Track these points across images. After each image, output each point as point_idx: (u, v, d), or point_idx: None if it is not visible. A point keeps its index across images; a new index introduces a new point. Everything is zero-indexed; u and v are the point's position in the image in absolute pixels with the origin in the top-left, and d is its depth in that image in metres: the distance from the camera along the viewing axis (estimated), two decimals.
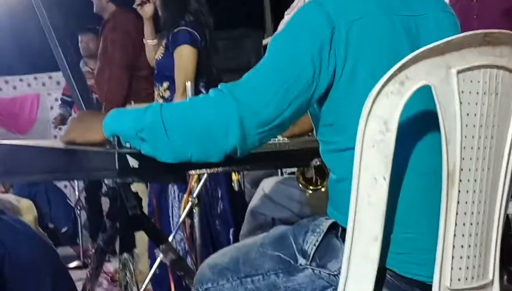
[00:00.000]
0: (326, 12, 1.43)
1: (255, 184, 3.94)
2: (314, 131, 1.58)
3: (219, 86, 1.44)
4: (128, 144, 1.45)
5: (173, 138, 1.41)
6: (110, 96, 4.23)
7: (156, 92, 3.82)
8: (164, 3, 3.75)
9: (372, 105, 1.30)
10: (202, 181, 3.04)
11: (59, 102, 9.07)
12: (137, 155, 1.44)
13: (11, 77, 10.27)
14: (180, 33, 3.64)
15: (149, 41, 3.98)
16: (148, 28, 3.95)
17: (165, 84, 3.74)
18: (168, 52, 3.70)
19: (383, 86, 1.29)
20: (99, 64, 4.51)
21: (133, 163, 1.43)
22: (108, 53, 4.33)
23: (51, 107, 10.18)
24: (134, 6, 3.92)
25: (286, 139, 2.02)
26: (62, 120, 6.25)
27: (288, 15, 6.64)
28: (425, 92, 1.30)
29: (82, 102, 2.09)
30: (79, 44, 5.92)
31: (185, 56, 3.64)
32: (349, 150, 1.36)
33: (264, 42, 7.09)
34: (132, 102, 4.25)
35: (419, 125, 1.43)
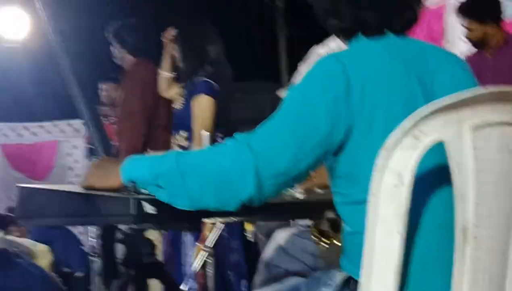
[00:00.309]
0: (343, 65, 1.46)
1: (269, 235, 3.93)
2: (329, 183, 1.59)
3: (235, 136, 1.47)
4: (145, 191, 1.47)
5: (190, 186, 1.43)
6: (129, 144, 4.27)
7: (173, 141, 3.86)
8: (183, 53, 3.83)
9: (386, 158, 1.31)
10: (216, 230, 3.05)
11: (77, 149, 9.14)
12: (154, 201, 1.45)
13: (31, 123, 10.40)
14: (199, 83, 3.71)
15: (165, 73, 4.04)
16: (166, 61, 4.01)
17: (183, 134, 3.79)
18: (187, 101, 3.76)
19: (397, 139, 1.30)
20: (118, 113, 4.58)
21: (149, 209, 1.45)
22: (128, 102, 4.39)
23: (69, 154, 10.28)
24: (162, 38, 4.00)
25: (303, 192, 2.02)
26: None
27: (302, 68, 6.71)
28: (439, 146, 1.32)
29: (101, 149, 2.12)
30: (100, 92, 6.01)
31: (203, 106, 3.69)
32: (363, 203, 1.37)
33: (279, 94, 7.15)
34: (149, 151, 4.29)
35: (433, 179, 1.44)
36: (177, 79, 4.04)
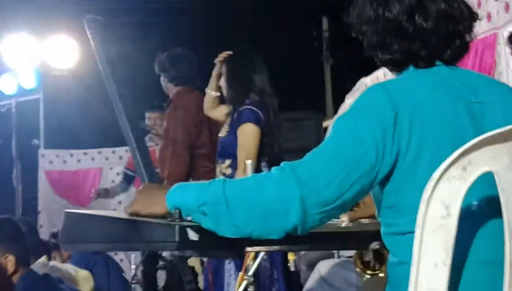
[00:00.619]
0: (390, 96, 1.46)
1: (311, 265, 3.90)
2: (376, 213, 1.58)
3: (281, 165, 1.47)
4: (189, 218, 1.48)
5: (235, 213, 1.43)
6: (172, 172, 4.32)
7: (218, 169, 3.89)
8: (230, 81, 3.88)
9: (433, 189, 1.30)
10: (259, 259, 3.03)
11: (120, 177, 9.23)
12: (198, 228, 1.46)
13: (76, 150, 10.58)
14: (245, 111, 3.74)
15: (211, 93, 4.07)
16: (214, 80, 4.04)
17: (227, 162, 3.81)
18: (232, 129, 3.79)
19: (445, 170, 1.29)
20: (163, 141, 4.64)
21: (193, 236, 1.45)
22: (171, 131, 4.44)
23: (113, 181, 10.39)
24: (216, 60, 4.05)
25: (348, 222, 2.01)
26: (101, 194, 6.33)
27: (349, 99, 6.71)
28: (488, 177, 1.30)
29: (145, 176, 2.14)
30: (146, 120, 6.10)
31: (248, 134, 3.72)
32: (410, 234, 1.36)
33: (325, 124, 7.16)
34: (191, 180, 4.33)
35: (482, 211, 1.42)
36: (223, 101, 4.08)
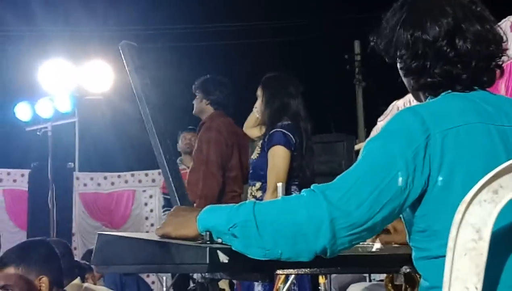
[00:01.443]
0: (422, 119, 1.45)
1: (342, 288, 3.88)
2: (407, 237, 1.57)
3: (311, 187, 1.47)
4: (220, 240, 1.49)
5: (264, 236, 1.43)
6: (205, 192, 4.35)
7: (248, 191, 3.90)
8: (266, 104, 3.91)
9: (464, 213, 1.29)
10: (289, 282, 3.03)
11: (153, 199, 9.29)
12: (228, 251, 1.47)
13: (110, 173, 10.70)
14: (276, 134, 3.76)
15: (256, 113, 4.07)
16: (260, 103, 4.05)
17: (258, 184, 3.83)
18: (263, 152, 3.81)
19: (476, 194, 1.28)
20: (192, 163, 4.68)
21: (223, 258, 1.46)
22: (203, 151, 4.49)
23: (145, 204, 10.49)
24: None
25: (382, 246, 2.00)
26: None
27: (380, 122, 6.69)
28: None
29: (177, 199, 2.16)
30: (180, 141, 6.16)
31: (278, 157, 3.73)
32: (441, 258, 1.35)
33: (356, 147, 7.15)
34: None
35: None
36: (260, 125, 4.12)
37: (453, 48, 1.55)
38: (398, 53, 1.62)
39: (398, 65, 1.65)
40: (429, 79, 1.58)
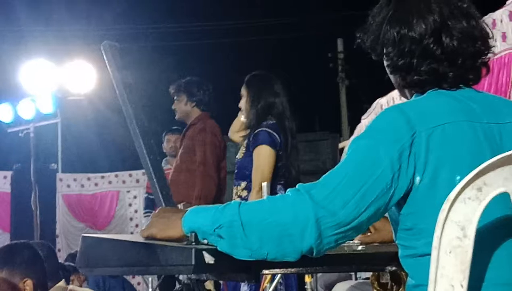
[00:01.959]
0: (407, 117, 1.46)
1: (328, 287, 3.88)
2: (393, 236, 1.57)
3: (297, 186, 1.47)
4: (205, 241, 1.48)
5: (250, 236, 1.43)
6: (204, 193, 4.36)
7: (234, 191, 3.90)
8: (251, 104, 3.90)
9: (449, 211, 1.29)
10: (275, 281, 3.03)
11: (137, 199, 9.21)
12: (214, 252, 1.46)
13: (93, 174, 10.64)
14: (261, 133, 3.76)
15: (242, 117, 4.06)
16: (246, 106, 4.03)
17: (243, 184, 3.82)
18: (248, 152, 3.81)
19: (460, 191, 1.29)
20: (179, 163, 4.67)
21: (209, 259, 1.46)
22: (198, 153, 4.49)
23: (130, 205, 10.44)
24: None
25: (364, 246, 2.00)
26: None
27: (364, 120, 6.73)
28: (504, 199, 1.29)
29: (162, 200, 2.15)
30: (166, 143, 6.15)
31: (262, 156, 3.73)
32: (427, 256, 1.35)
33: (340, 145, 7.17)
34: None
35: (498, 233, 1.41)
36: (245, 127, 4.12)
37: (439, 46, 1.54)
38: (384, 50, 1.62)
39: (385, 63, 1.64)
40: (415, 77, 1.58)
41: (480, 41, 1.57)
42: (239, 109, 4.07)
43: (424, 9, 1.56)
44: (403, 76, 1.60)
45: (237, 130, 4.19)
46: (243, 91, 4.01)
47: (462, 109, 1.50)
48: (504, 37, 4.83)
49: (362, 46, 1.69)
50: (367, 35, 1.66)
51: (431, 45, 1.55)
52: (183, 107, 4.73)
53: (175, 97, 4.77)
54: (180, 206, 4.37)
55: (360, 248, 1.91)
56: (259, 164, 3.73)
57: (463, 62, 1.55)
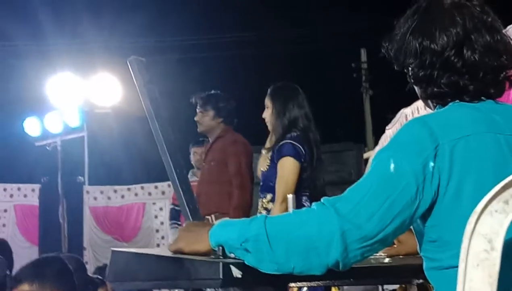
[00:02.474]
0: (430, 129, 1.46)
1: None
2: (418, 248, 1.57)
3: (322, 200, 1.48)
4: (232, 255, 1.50)
5: (276, 250, 1.44)
6: (242, 203, 4.40)
7: (259, 204, 3.91)
8: (277, 116, 3.90)
9: (476, 223, 1.29)
10: None
11: (163, 211, 9.24)
12: (241, 265, 1.47)
13: (120, 186, 10.72)
14: (285, 145, 3.77)
15: (265, 152, 4.06)
16: (267, 116, 4.05)
17: (269, 196, 3.83)
18: (273, 164, 3.81)
19: (487, 204, 1.28)
20: (206, 175, 4.68)
21: (236, 273, 1.47)
22: (234, 164, 4.51)
23: (156, 216, 10.50)
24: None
25: (389, 258, 2.00)
26: None
27: (388, 130, 6.69)
28: None
29: (189, 213, 2.17)
30: (192, 155, 6.17)
31: (286, 168, 3.74)
32: (453, 268, 1.35)
33: (365, 155, 7.14)
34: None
35: None
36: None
37: (460, 58, 1.54)
38: (407, 61, 1.62)
39: (407, 73, 1.65)
40: (435, 89, 1.58)
41: (505, 56, 1.57)
42: (263, 119, 4.05)
43: (447, 21, 1.56)
44: (424, 88, 1.60)
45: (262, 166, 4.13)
46: (268, 103, 4.00)
47: (485, 121, 1.50)
48: None
49: (387, 56, 1.69)
50: (392, 44, 1.66)
51: (452, 58, 1.54)
52: (209, 122, 4.75)
53: (200, 109, 4.78)
54: (212, 217, 4.41)
55: (386, 260, 1.91)
56: (283, 175, 3.74)
57: (484, 76, 1.55)
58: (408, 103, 6.80)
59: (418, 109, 5.98)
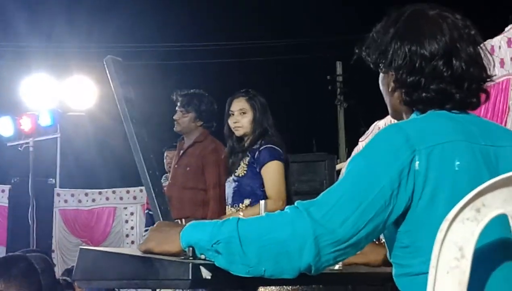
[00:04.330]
0: (407, 135, 1.46)
1: None
2: (388, 254, 1.57)
3: (295, 204, 1.47)
4: (203, 256, 1.49)
5: (248, 253, 1.43)
6: (219, 215, 4.30)
7: (233, 210, 3.88)
8: (256, 122, 3.90)
9: (447, 231, 1.29)
10: None
11: (134, 216, 9.19)
12: (211, 267, 1.46)
13: (91, 190, 10.64)
14: (267, 149, 3.80)
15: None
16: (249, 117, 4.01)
17: (247, 201, 3.83)
18: (252, 169, 3.80)
19: (458, 212, 1.29)
20: (179, 179, 4.61)
21: (206, 274, 1.46)
22: (213, 173, 4.43)
23: (126, 221, 10.43)
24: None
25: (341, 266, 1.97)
26: None
27: (362, 142, 6.71)
28: (503, 220, 1.30)
29: (160, 214, 2.15)
30: (165, 159, 6.13)
31: (277, 172, 3.80)
32: (423, 275, 1.35)
33: (338, 167, 7.17)
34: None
35: (496, 254, 1.41)
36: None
37: (449, 68, 1.55)
38: (393, 65, 1.61)
39: (389, 78, 1.63)
40: (424, 94, 1.57)
41: (483, 68, 1.59)
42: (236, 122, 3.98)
43: (434, 29, 1.57)
44: (409, 93, 1.60)
45: None
46: (246, 107, 3.96)
47: (461, 130, 1.51)
48: (502, 63, 4.87)
49: (366, 61, 1.69)
50: (371, 50, 1.66)
51: (441, 67, 1.55)
52: (188, 123, 4.61)
53: (180, 109, 4.63)
54: (183, 220, 4.36)
55: (337, 267, 1.87)
56: (274, 179, 3.77)
57: (469, 87, 1.57)
58: (382, 117, 6.85)
59: (391, 122, 6.02)
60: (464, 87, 1.56)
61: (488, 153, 1.50)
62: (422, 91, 1.57)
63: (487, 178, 1.37)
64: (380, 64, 1.65)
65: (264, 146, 3.80)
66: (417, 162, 1.44)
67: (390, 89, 1.65)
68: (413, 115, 1.62)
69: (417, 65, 1.57)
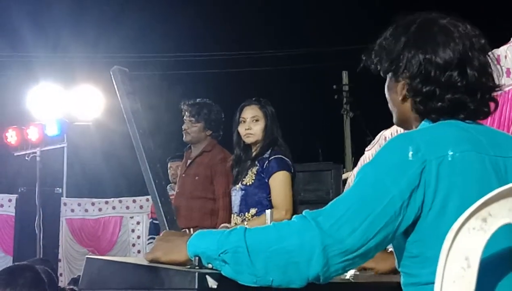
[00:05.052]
0: (417, 145, 1.46)
1: None
2: (396, 263, 1.57)
3: (303, 213, 1.47)
4: (210, 265, 1.48)
5: (256, 263, 1.43)
6: (230, 222, 4.32)
7: (239, 219, 3.88)
8: (269, 131, 3.90)
9: (453, 240, 1.29)
10: None
11: (140, 225, 9.19)
12: (217, 276, 1.46)
13: (98, 199, 10.65)
14: (276, 160, 3.81)
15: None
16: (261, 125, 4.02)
17: (253, 210, 3.82)
18: (260, 178, 3.80)
19: (465, 221, 1.29)
20: (188, 188, 4.60)
21: (212, 283, 1.45)
22: (223, 184, 4.43)
23: (133, 230, 10.43)
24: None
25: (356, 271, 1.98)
26: None
27: (368, 151, 6.71)
28: (509, 230, 1.29)
29: (166, 223, 2.16)
30: (168, 170, 6.14)
31: (285, 182, 3.81)
32: (431, 284, 1.34)
33: (344, 176, 7.16)
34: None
35: (502, 264, 1.41)
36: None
37: (463, 77, 1.55)
38: (406, 74, 1.59)
39: (404, 87, 1.61)
40: (439, 104, 1.56)
41: (492, 77, 1.59)
42: (248, 129, 3.97)
43: (449, 39, 1.57)
44: (424, 102, 1.58)
45: None
46: (259, 115, 3.95)
47: (471, 140, 1.51)
48: (508, 72, 4.86)
49: (374, 69, 1.67)
50: (381, 58, 1.64)
51: (456, 76, 1.55)
52: (197, 133, 4.61)
53: (189, 118, 4.62)
54: (190, 229, 4.36)
55: (348, 276, 1.87)
56: (282, 189, 3.78)
57: (482, 96, 1.57)
58: (388, 126, 6.84)
59: (397, 131, 6.03)
60: (477, 97, 1.56)
61: (497, 163, 1.50)
62: (437, 101, 1.56)
63: (496, 187, 1.36)
64: (391, 72, 1.64)
65: (274, 156, 3.81)
66: (427, 173, 1.43)
67: (401, 98, 1.63)
68: (423, 124, 1.61)
69: (432, 74, 1.56)
